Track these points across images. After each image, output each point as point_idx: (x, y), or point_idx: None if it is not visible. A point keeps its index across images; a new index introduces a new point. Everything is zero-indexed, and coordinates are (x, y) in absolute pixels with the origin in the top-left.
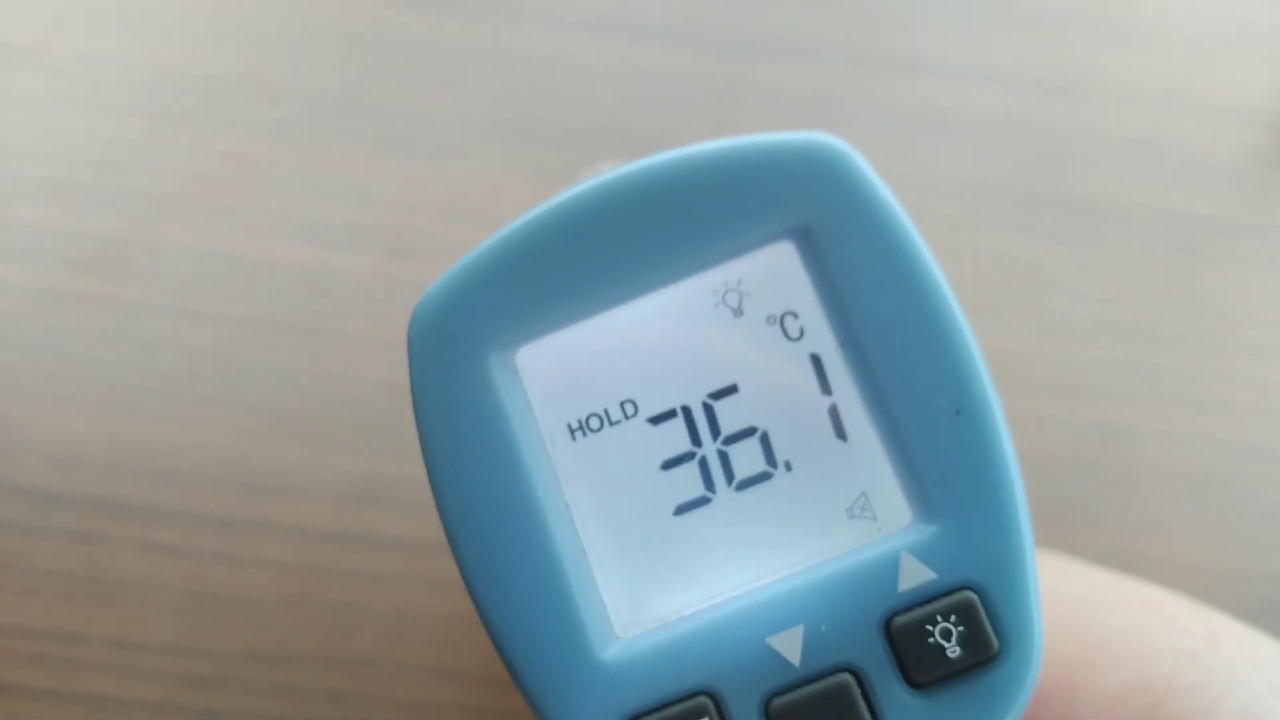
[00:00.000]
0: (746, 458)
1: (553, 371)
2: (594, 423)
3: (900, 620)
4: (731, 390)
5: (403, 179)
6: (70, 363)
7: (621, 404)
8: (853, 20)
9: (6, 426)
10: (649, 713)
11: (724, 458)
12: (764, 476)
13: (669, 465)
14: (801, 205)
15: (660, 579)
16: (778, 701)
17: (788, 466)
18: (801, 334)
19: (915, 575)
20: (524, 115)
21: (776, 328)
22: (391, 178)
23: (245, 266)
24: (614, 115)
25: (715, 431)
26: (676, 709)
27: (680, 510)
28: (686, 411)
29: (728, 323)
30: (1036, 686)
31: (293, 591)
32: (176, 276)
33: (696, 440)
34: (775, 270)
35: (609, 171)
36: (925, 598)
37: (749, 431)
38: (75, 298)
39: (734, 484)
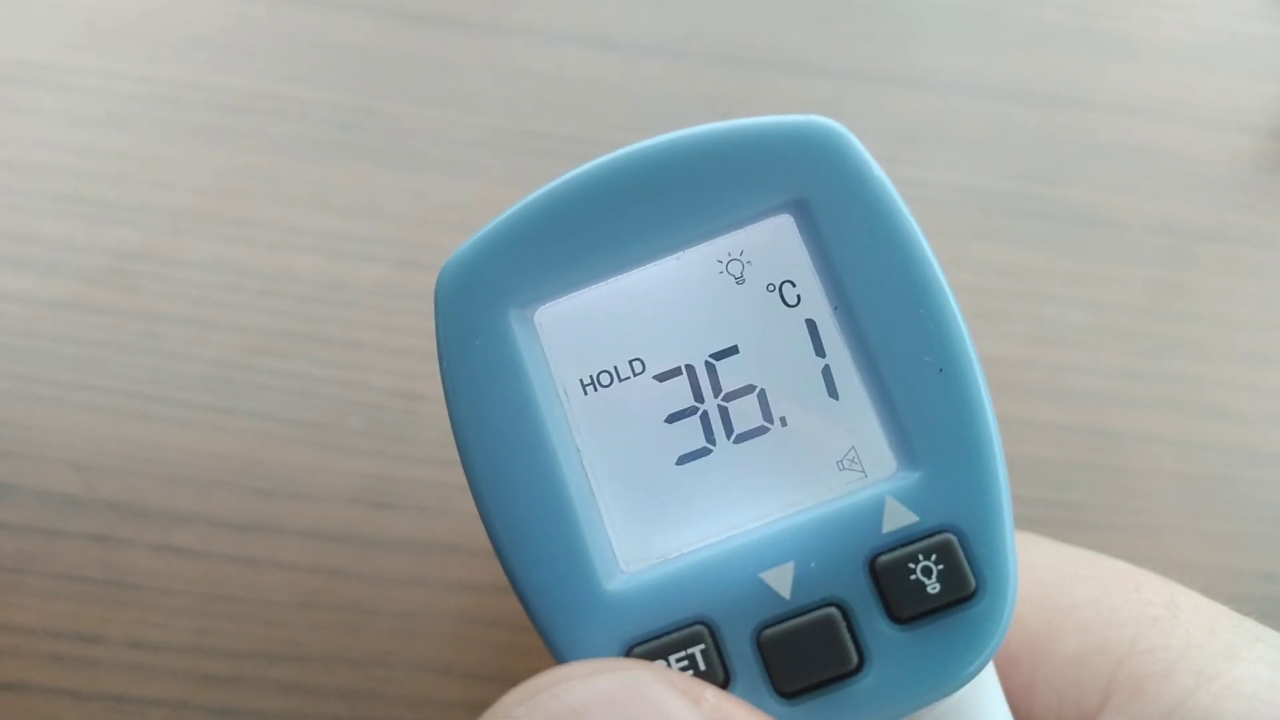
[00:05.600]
0: (745, 413)
1: (568, 330)
2: (605, 378)
3: (884, 559)
4: (733, 351)
5: (412, 192)
6: (89, 372)
7: (630, 361)
8: (851, 36)
9: (28, 433)
10: (649, 640)
11: (724, 413)
12: (761, 430)
13: (673, 419)
14: (799, 180)
15: (663, 520)
16: (769, 632)
17: (783, 422)
18: (799, 300)
19: (899, 518)
20: (529, 129)
21: (775, 294)
22: (401, 191)
23: (259, 278)
24: (617, 129)
25: (716, 389)
26: (675, 636)
27: (682, 460)
28: (690, 370)
29: (730, 289)
30: (1007, 650)
31: (305, 592)
32: (193, 288)
33: (699, 396)
34: (775, 241)
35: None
36: (908, 539)
37: (748, 389)
38: (94, 308)
39: (733, 437)
